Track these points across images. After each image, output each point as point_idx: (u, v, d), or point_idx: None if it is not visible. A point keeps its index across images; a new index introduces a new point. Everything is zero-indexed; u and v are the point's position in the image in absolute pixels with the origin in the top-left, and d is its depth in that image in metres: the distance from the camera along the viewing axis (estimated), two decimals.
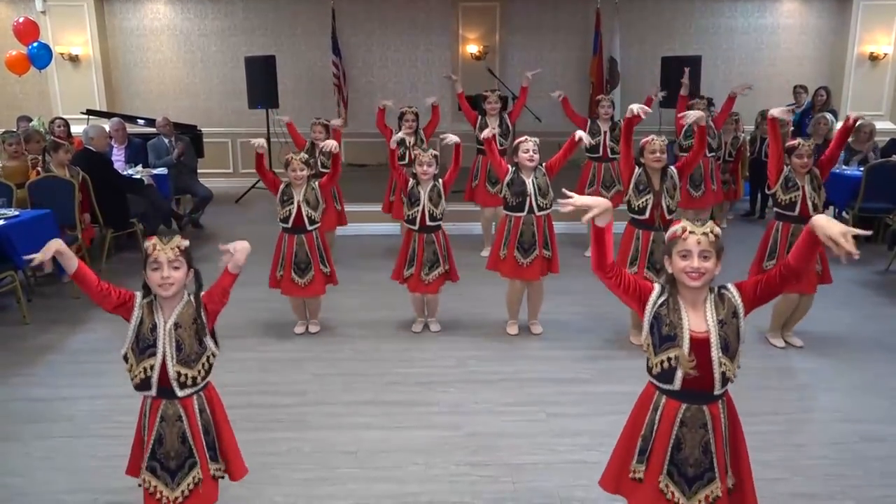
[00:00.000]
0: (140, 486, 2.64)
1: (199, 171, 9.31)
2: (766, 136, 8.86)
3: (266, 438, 3.75)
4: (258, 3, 11.13)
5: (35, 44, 9.29)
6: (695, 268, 2.30)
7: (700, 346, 2.31)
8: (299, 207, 4.84)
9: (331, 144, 5.05)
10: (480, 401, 4.19)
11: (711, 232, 2.32)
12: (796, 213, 4.65)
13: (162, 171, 8.09)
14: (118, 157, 8.18)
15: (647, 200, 4.60)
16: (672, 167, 4.67)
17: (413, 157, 6.71)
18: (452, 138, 4.95)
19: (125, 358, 2.57)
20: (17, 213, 5.68)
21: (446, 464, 3.52)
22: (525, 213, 4.85)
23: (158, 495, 2.58)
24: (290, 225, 4.89)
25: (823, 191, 4.68)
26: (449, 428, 3.87)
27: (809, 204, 4.63)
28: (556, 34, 11.25)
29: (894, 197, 6.98)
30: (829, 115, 8.43)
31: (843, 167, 7.70)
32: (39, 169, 6.54)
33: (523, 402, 4.17)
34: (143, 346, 2.53)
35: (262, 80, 10.03)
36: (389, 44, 11.29)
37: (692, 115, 4.71)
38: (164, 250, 2.50)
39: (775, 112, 4.58)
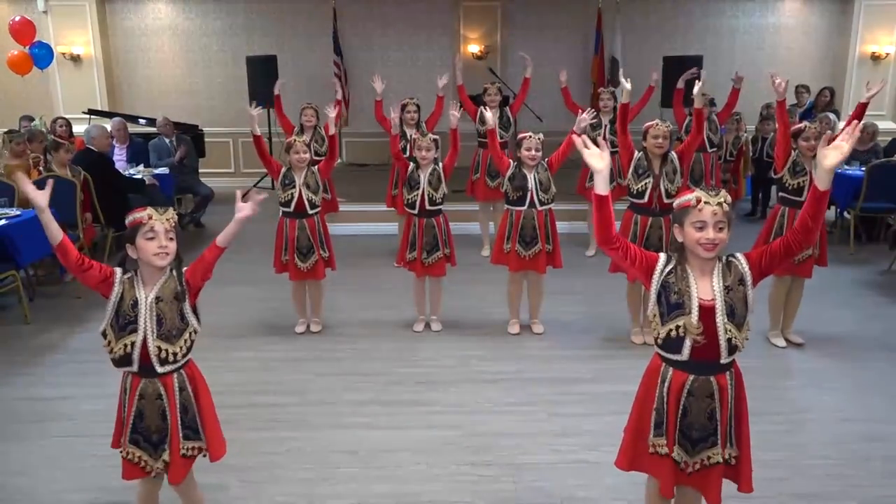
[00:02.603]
0: (123, 455, 2.67)
1: (200, 170, 9.32)
2: (767, 135, 8.93)
3: (267, 438, 3.75)
4: (259, 2, 11.13)
5: (35, 43, 9.30)
6: (710, 239, 2.31)
7: (707, 313, 2.33)
8: (300, 191, 4.85)
9: (331, 116, 5.13)
10: (482, 400, 4.19)
11: (725, 202, 2.35)
12: (803, 198, 4.63)
13: (163, 170, 8.10)
14: (120, 157, 8.20)
15: (646, 184, 4.60)
16: (673, 152, 4.67)
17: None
18: (455, 118, 4.94)
19: (104, 334, 2.54)
20: (18, 212, 5.68)
21: (447, 463, 3.52)
22: (526, 207, 4.86)
23: (142, 464, 2.63)
24: (291, 209, 4.90)
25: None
26: (450, 428, 3.87)
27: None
28: (558, 34, 11.24)
29: (895, 197, 6.97)
30: (831, 116, 8.43)
31: (845, 167, 7.69)
32: (41, 168, 6.55)
33: (525, 401, 4.17)
34: (124, 322, 2.50)
35: (263, 80, 10.00)
36: (391, 43, 11.29)
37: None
38: (160, 220, 2.52)
39: (780, 85, 4.75)
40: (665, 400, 2.45)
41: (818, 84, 10.13)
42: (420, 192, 4.92)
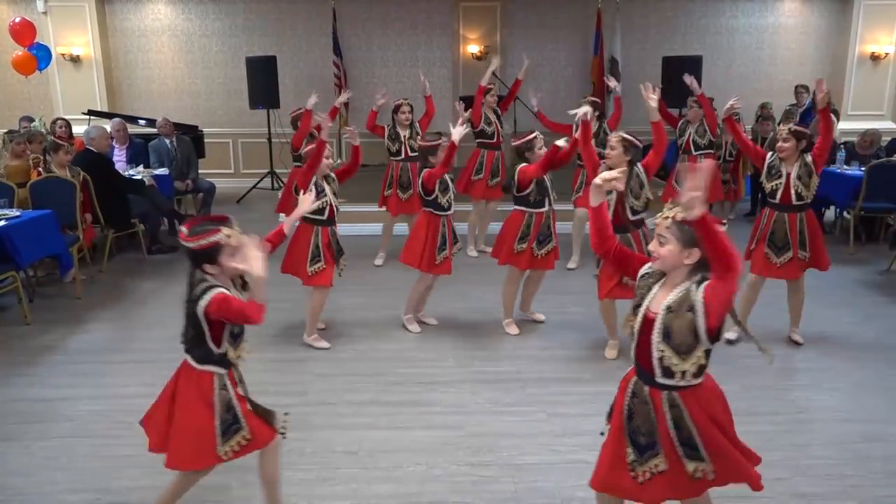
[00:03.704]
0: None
1: (200, 171, 9.31)
2: (767, 134, 8.93)
3: None
4: (259, 3, 11.14)
5: (34, 45, 9.31)
6: (650, 250, 2.35)
7: (647, 325, 2.34)
8: (331, 199, 4.85)
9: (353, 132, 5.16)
10: (481, 401, 4.19)
11: (672, 217, 2.30)
12: (777, 200, 4.71)
13: (163, 171, 8.10)
14: (119, 158, 8.19)
15: (610, 200, 4.39)
16: (639, 164, 4.58)
17: (408, 150, 6.73)
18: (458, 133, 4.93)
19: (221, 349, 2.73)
20: (18, 213, 5.68)
21: (447, 464, 3.52)
22: (546, 208, 4.95)
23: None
24: (325, 217, 4.86)
25: (815, 179, 4.65)
26: (450, 428, 3.87)
27: (792, 192, 4.65)
28: (557, 34, 11.25)
29: (895, 196, 6.97)
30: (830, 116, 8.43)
31: (845, 167, 7.70)
32: (40, 169, 6.55)
33: (524, 402, 4.17)
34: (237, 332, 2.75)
35: (263, 81, 10.05)
36: (390, 44, 11.30)
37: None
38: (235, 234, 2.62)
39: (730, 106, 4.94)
40: (616, 394, 2.55)
41: None
42: (451, 193, 5.07)
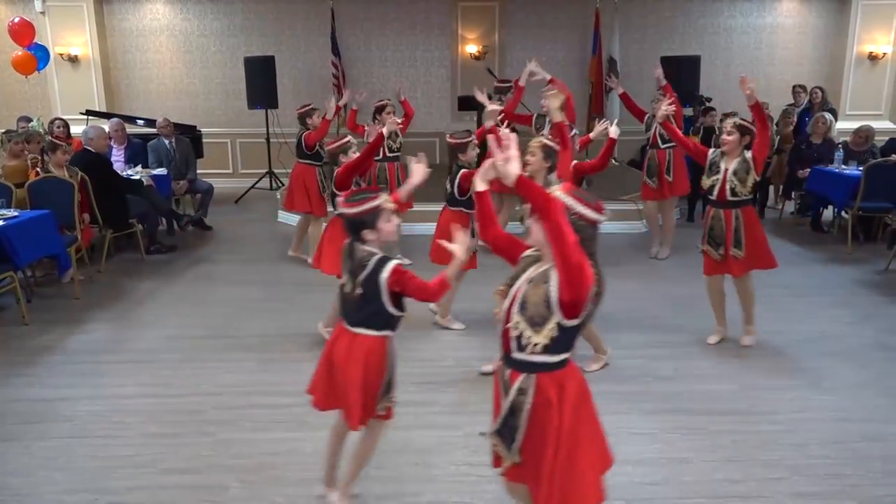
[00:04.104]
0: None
1: (198, 171, 9.31)
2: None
3: (266, 438, 3.75)
4: (257, 3, 11.13)
5: (32, 45, 9.30)
6: (527, 226, 2.38)
7: (512, 302, 2.36)
8: None
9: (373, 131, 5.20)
10: (481, 400, 4.17)
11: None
12: (714, 196, 4.73)
13: (161, 171, 8.09)
14: (118, 158, 8.18)
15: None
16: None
17: (387, 150, 6.72)
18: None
19: None
20: (16, 213, 5.67)
21: (446, 464, 3.52)
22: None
23: None
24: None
25: (753, 176, 4.56)
26: (448, 428, 3.87)
27: (728, 188, 4.62)
28: (556, 34, 11.25)
29: (893, 196, 6.98)
30: (827, 115, 8.43)
31: (842, 167, 7.71)
32: (38, 169, 6.54)
33: None
34: None
35: (261, 81, 10.04)
36: (388, 44, 11.29)
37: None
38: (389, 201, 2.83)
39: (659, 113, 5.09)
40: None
41: (815, 84, 10.14)
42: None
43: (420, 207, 6.75)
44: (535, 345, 2.26)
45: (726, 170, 4.62)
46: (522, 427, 2.34)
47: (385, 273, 2.73)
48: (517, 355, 2.33)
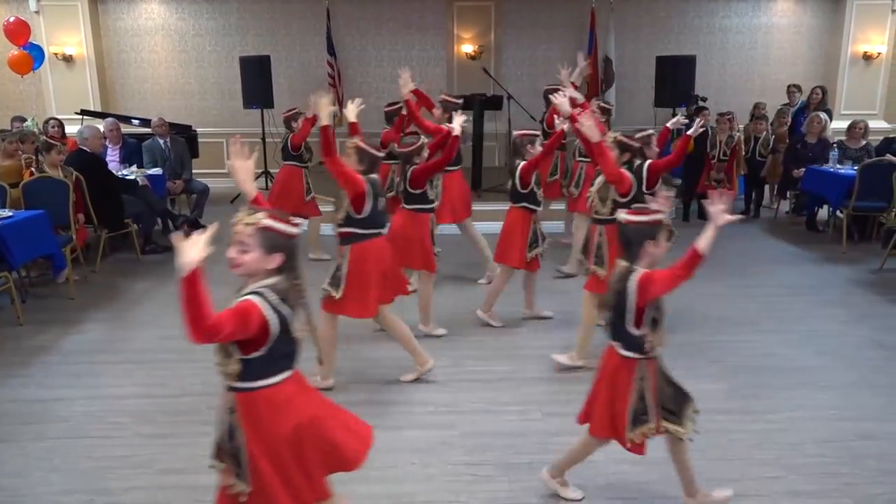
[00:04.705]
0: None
1: (194, 171, 9.29)
2: (760, 134, 8.96)
3: None
4: (253, 2, 11.11)
5: (26, 45, 9.27)
6: (229, 257, 2.32)
7: None
8: None
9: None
10: (476, 400, 4.19)
11: (255, 224, 2.30)
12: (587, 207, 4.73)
13: (156, 171, 8.07)
14: (113, 158, 8.16)
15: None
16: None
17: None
18: None
19: None
20: (10, 213, 5.65)
21: (442, 463, 3.52)
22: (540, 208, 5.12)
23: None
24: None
25: (612, 194, 4.33)
26: (445, 427, 3.87)
27: (588, 203, 4.58)
28: (551, 33, 11.26)
29: (888, 195, 7.00)
30: (822, 115, 8.46)
31: (837, 166, 7.73)
32: (33, 169, 6.52)
33: (519, 401, 4.18)
34: None
35: (256, 80, 10.02)
36: (384, 43, 11.29)
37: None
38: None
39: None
40: None
41: (810, 83, 10.17)
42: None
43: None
44: (228, 374, 2.28)
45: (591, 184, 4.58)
46: (243, 445, 2.33)
47: (633, 279, 2.75)
48: (233, 384, 2.32)
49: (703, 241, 2.62)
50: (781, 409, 4.07)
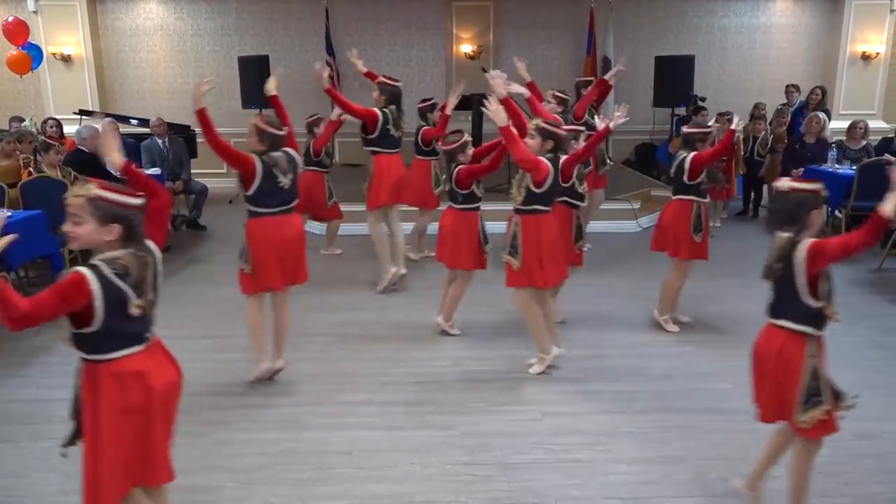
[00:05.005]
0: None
1: (192, 171, 9.28)
2: (759, 134, 8.96)
3: (261, 439, 3.75)
4: (251, 2, 11.11)
5: (25, 45, 9.27)
6: (64, 230, 2.40)
7: None
8: None
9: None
10: (475, 400, 4.19)
11: (84, 195, 2.36)
12: None
13: (155, 171, 8.06)
14: None
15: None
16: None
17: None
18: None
19: None
20: (8, 213, 5.63)
21: (441, 463, 3.52)
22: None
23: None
24: None
25: (527, 182, 4.18)
26: (444, 427, 3.87)
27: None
28: (550, 33, 11.27)
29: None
30: (821, 115, 8.46)
31: (836, 166, 7.74)
32: (31, 169, 6.52)
33: (518, 401, 4.18)
34: None
35: (255, 80, 9.99)
36: (383, 43, 11.29)
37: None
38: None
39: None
40: None
41: (809, 83, 10.18)
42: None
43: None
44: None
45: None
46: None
47: (802, 248, 2.67)
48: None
49: (889, 205, 2.58)
50: None
